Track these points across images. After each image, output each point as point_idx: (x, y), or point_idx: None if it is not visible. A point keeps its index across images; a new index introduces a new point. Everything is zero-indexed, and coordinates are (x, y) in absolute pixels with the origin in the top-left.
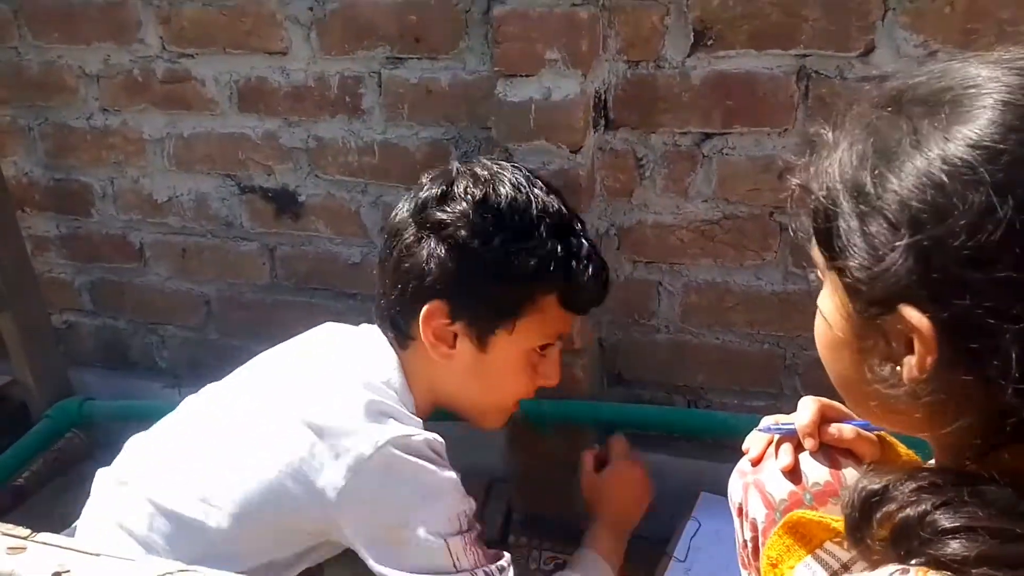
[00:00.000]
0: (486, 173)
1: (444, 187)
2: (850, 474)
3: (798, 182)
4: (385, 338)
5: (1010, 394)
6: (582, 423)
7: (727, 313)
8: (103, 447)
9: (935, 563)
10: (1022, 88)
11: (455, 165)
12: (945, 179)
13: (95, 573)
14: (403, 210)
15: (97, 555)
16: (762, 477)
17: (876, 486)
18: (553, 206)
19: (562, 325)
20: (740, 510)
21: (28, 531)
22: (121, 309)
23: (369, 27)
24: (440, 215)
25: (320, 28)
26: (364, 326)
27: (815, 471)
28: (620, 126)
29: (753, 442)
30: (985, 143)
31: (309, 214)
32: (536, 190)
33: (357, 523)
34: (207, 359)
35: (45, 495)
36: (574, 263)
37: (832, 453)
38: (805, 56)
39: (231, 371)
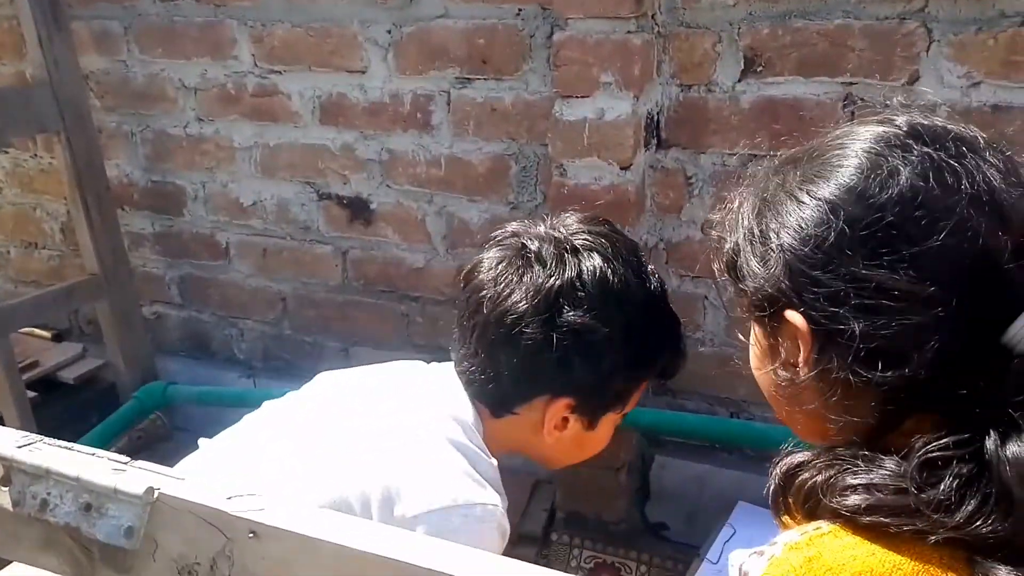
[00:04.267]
0: (590, 241)
1: (570, 275)
2: None
3: (717, 233)
4: (465, 395)
5: (873, 376)
6: (625, 428)
7: None
8: (182, 430)
9: (835, 515)
10: (879, 138)
11: (541, 230)
12: (804, 211)
13: (180, 492)
14: (511, 292)
15: (183, 479)
16: None
17: (799, 459)
18: (652, 281)
19: None
20: None
21: (128, 458)
22: (206, 303)
23: (441, 49)
24: (574, 318)
25: (397, 49)
26: (444, 373)
27: None
28: (672, 146)
29: None
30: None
31: (379, 221)
32: (633, 259)
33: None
34: (281, 352)
35: None
36: (679, 342)
37: None
38: (851, 84)
39: (302, 364)
